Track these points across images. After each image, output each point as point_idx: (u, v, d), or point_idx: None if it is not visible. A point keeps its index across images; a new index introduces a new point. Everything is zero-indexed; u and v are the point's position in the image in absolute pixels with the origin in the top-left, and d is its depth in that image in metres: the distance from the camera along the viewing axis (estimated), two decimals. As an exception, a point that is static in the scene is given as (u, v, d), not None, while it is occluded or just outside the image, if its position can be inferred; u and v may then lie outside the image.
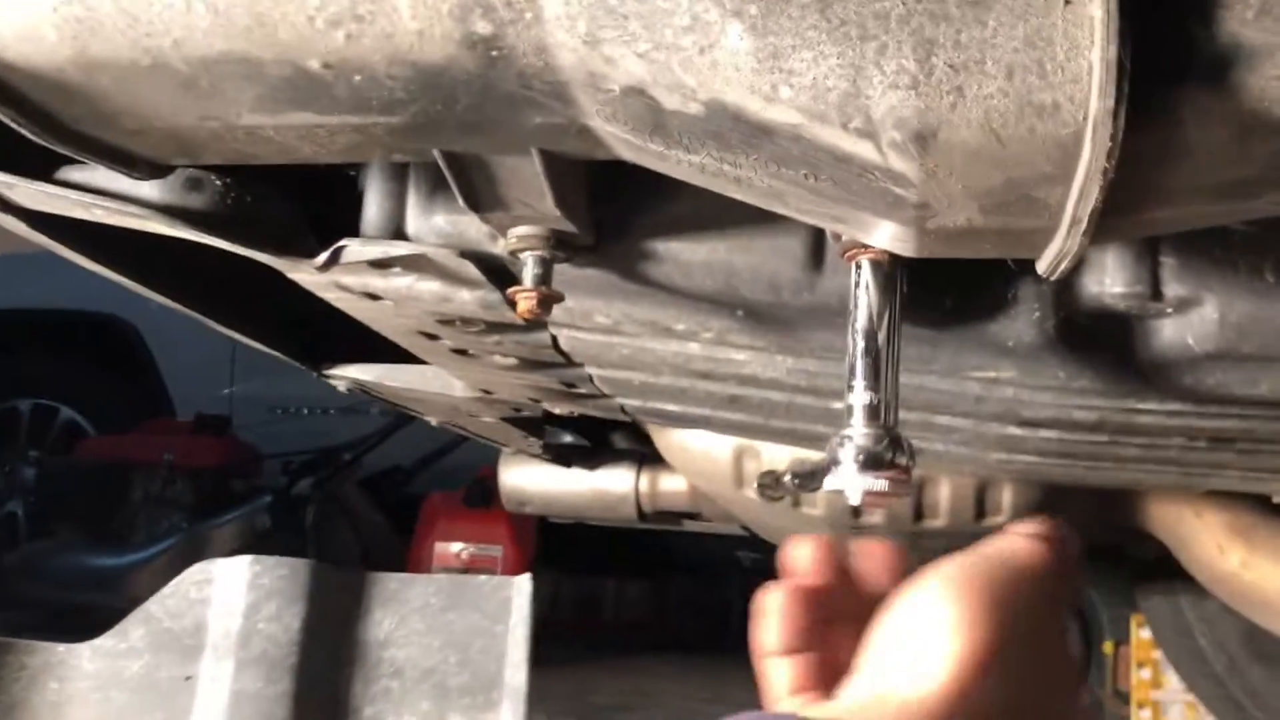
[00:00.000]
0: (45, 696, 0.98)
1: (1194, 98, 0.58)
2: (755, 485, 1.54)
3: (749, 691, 0.69)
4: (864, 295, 0.80)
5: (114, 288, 1.19)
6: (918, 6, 0.55)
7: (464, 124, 0.71)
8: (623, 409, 1.46)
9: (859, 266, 0.80)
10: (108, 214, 0.93)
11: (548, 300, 0.88)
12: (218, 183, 0.93)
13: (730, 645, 4.10)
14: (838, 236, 0.80)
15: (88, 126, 0.76)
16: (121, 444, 4.93)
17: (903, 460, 0.80)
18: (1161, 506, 1.78)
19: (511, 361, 1.26)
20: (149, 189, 0.91)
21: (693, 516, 2.02)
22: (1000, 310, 0.96)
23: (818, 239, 0.94)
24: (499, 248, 0.93)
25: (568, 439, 2.01)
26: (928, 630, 0.62)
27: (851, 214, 0.69)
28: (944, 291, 0.96)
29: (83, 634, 1.09)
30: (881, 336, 0.81)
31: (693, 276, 0.96)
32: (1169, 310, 0.92)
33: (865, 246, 0.78)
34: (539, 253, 0.89)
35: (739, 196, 0.72)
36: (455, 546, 4.34)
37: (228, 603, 1.00)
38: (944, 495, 1.55)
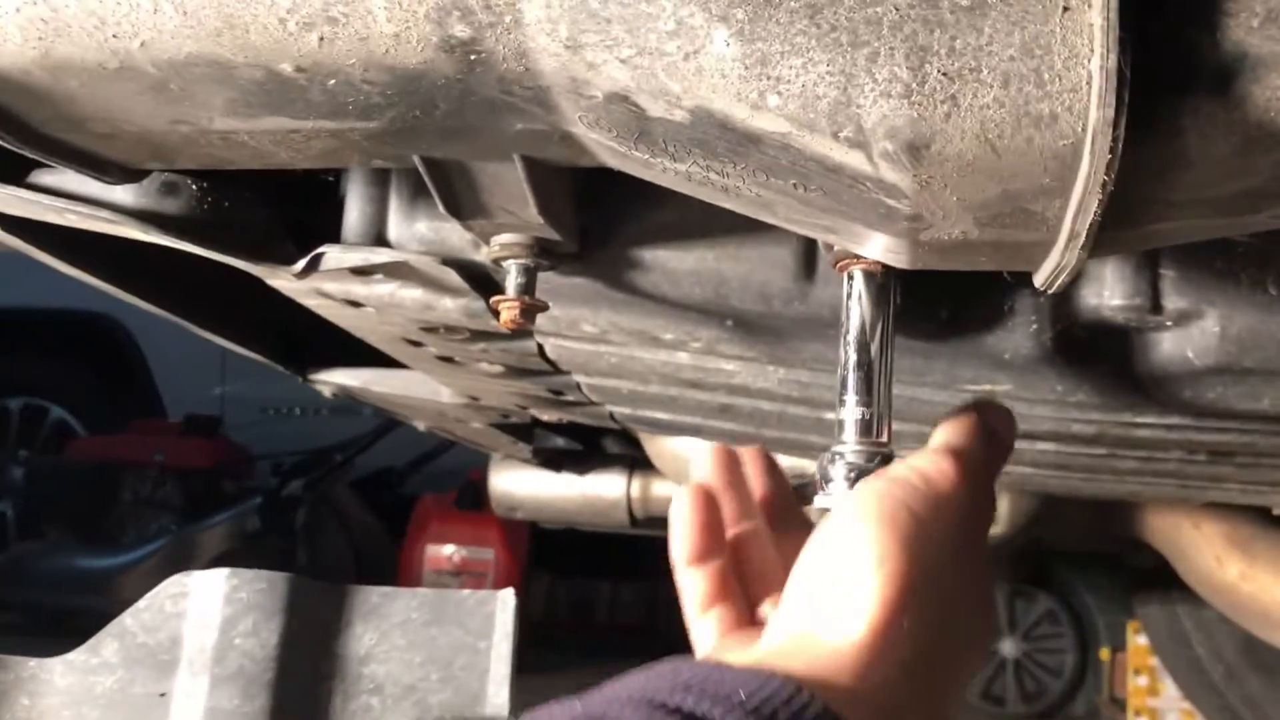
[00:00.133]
0: (15, 713, 0.96)
1: (1196, 108, 0.56)
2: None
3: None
4: (856, 306, 0.78)
5: (103, 287, 1.17)
6: (911, 12, 0.53)
7: (443, 130, 0.69)
8: (612, 416, 1.44)
9: (851, 277, 0.78)
10: (80, 219, 0.90)
11: (531, 310, 0.86)
12: (193, 187, 0.91)
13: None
14: (829, 247, 0.78)
15: (56, 130, 0.74)
16: (112, 444, 4.93)
17: (895, 477, 0.78)
18: (1160, 517, 1.76)
19: (497, 369, 1.24)
20: (122, 193, 0.89)
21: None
22: (996, 322, 0.94)
23: (809, 248, 0.92)
24: (482, 255, 0.91)
25: (559, 443, 2.00)
26: (846, 569, 0.64)
27: (842, 225, 0.67)
28: (939, 303, 0.94)
29: (71, 638, 1.07)
30: (874, 349, 0.78)
31: (681, 285, 0.94)
32: (1169, 323, 0.90)
33: (857, 257, 0.76)
34: (522, 261, 0.87)
35: (727, 205, 0.70)
36: (447, 549, 4.32)
37: (204, 617, 0.98)
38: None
